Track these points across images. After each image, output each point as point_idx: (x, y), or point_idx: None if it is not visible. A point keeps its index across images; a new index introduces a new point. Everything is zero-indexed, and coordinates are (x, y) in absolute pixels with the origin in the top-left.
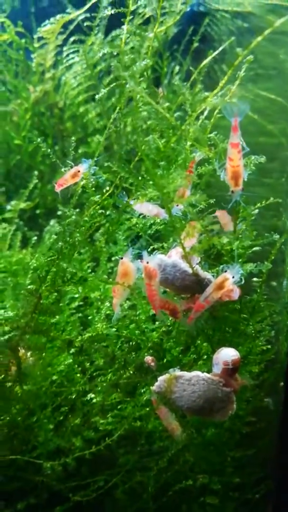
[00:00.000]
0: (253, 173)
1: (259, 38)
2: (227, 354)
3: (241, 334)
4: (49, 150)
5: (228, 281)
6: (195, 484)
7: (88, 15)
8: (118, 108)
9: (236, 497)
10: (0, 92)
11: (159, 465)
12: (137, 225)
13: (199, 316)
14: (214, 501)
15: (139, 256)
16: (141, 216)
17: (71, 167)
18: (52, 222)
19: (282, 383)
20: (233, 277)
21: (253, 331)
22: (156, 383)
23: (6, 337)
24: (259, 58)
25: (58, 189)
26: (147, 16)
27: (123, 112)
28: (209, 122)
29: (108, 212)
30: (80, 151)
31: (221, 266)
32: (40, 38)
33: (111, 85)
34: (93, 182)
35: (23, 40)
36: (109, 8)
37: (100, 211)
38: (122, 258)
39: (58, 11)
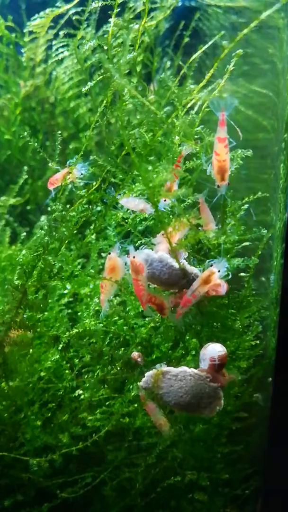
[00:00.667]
0: (246, 168)
1: (245, 31)
2: (214, 350)
3: (229, 330)
4: (37, 145)
5: (214, 275)
6: (183, 480)
7: (78, 9)
8: (104, 102)
9: (225, 493)
10: None
11: (147, 461)
12: (127, 221)
13: (187, 311)
14: (202, 497)
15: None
16: (128, 211)
17: (67, 165)
18: (43, 218)
19: (270, 379)
20: (218, 271)
21: (241, 327)
22: (143, 379)
23: None
24: (252, 52)
25: (50, 187)
26: (138, 10)
27: (109, 106)
28: (198, 116)
29: (98, 208)
30: (71, 146)
31: (207, 260)
32: (30, 33)
33: (98, 79)
34: (82, 175)
35: (13, 35)
36: (97, 1)
37: (86, 205)
38: (109, 253)
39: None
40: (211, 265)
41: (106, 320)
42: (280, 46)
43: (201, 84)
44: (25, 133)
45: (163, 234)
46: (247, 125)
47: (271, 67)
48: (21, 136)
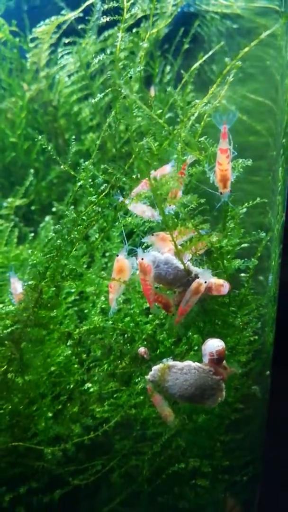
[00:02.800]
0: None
1: (246, 49)
2: (212, 345)
3: (230, 326)
4: (48, 146)
5: (202, 286)
6: (187, 468)
7: (81, 15)
8: (114, 112)
9: (225, 479)
10: None
11: (153, 449)
12: (131, 223)
13: (184, 316)
14: (204, 483)
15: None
16: (135, 216)
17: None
18: (47, 218)
19: (268, 372)
20: (205, 282)
21: (241, 323)
22: (151, 372)
23: (9, 330)
24: (247, 59)
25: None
26: (139, 17)
27: (118, 116)
28: (200, 125)
29: (104, 211)
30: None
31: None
32: (34, 38)
33: (107, 91)
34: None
35: (17, 39)
36: (104, 16)
37: (96, 209)
38: (118, 255)
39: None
40: (198, 277)
41: (113, 317)
42: (278, 53)
43: (206, 98)
44: (39, 137)
45: (152, 235)
46: (244, 130)
47: (269, 73)
48: (26, 138)
